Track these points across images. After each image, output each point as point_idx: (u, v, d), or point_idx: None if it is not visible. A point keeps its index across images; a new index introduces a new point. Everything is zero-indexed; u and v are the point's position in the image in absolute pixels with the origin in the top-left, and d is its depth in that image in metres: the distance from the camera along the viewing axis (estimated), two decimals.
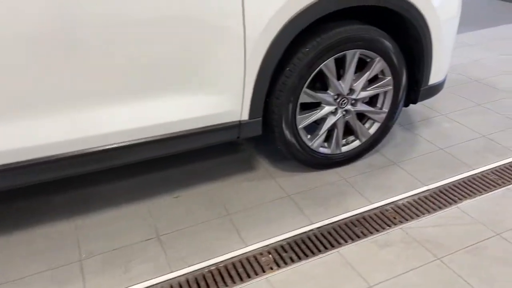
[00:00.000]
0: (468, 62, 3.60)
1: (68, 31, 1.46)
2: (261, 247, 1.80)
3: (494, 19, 4.67)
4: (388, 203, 2.01)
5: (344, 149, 2.24)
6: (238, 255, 1.75)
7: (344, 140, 2.25)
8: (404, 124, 2.67)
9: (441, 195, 2.06)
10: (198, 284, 1.64)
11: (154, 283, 1.64)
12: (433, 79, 2.26)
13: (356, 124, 2.19)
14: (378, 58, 2.05)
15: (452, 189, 2.09)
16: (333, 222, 1.92)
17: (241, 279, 1.65)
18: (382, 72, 2.12)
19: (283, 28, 1.76)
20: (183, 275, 1.67)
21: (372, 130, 2.26)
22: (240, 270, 1.69)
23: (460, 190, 2.09)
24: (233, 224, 1.92)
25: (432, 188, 2.10)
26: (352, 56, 1.99)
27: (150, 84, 1.68)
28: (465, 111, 2.80)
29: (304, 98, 1.99)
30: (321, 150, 2.18)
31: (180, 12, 1.59)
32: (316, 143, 2.14)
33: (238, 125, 1.92)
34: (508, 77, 3.28)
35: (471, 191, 2.08)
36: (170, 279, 1.66)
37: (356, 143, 2.26)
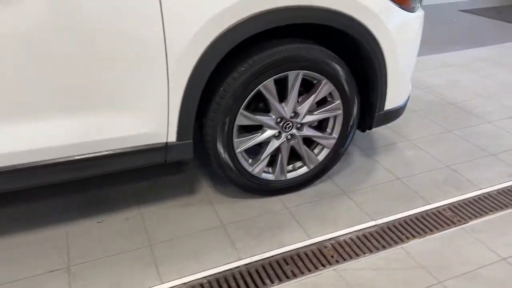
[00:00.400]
0: (446, 83, 3.43)
1: None
2: (178, 285, 1.62)
3: (481, 39, 4.51)
4: (328, 239, 1.84)
5: (290, 175, 2.07)
6: None
7: (291, 166, 2.08)
8: (365, 149, 2.50)
9: (388, 232, 1.88)
10: None
11: None
12: (390, 104, 2.09)
13: (302, 149, 2.02)
14: (324, 81, 1.88)
15: (402, 226, 1.92)
16: (263, 259, 1.74)
17: None
18: (330, 95, 1.96)
19: (209, 47, 1.60)
20: None
21: (321, 157, 2.09)
22: None
23: (410, 227, 1.91)
24: (153, 256, 1.74)
25: (380, 224, 1.93)
26: (295, 78, 1.83)
27: (67, 102, 1.53)
28: (433, 137, 2.63)
29: (241, 120, 1.82)
30: (264, 176, 2.01)
31: (96, 26, 1.44)
32: (258, 168, 1.97)
33: (164, 148, 1.75)
34: (485, 101, 3.11)
35: (422, 229, 1.90)
36: None
37: (304, 169, 2.09)
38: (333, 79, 1.89)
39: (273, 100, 1.84)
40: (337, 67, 1.87)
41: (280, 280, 1.64)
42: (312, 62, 1.81)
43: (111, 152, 1.67)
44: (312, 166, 2.09)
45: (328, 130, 2.06)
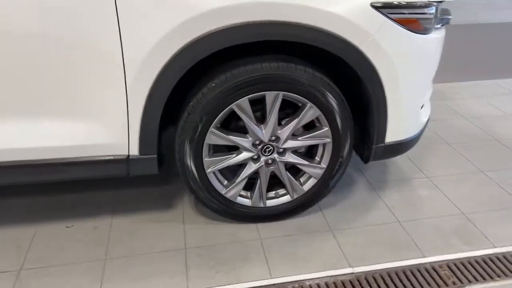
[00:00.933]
0: (499, 115, 3.01)
1: None
2: None
3: None
4: (290, 282, 1.64)
5: (271, 203, 1.90)
6: None
7: (274, 192, 1.91)
8: (373, 181, 2.24)
9: (364, 283, 1.64)
10: None
11: None
12: (392, 136, 1.83)
13: (284, 176, 1.84)
14: (308, 104, 1.69)
15: (382, 278, 1.66)
16: None
17: None
18: (318, 120, 1.76)
19: (169, 62, 1.49)
20: None
21: (307, 187, 1.89)
22: None
23: (392, 282, 1.65)
24: (103, 272, 1.67)
25: (357, 273, 1.69)
26: (274, 99, 1.65)
27: (26, 105, 1.51)
28: (459, 177, 2.29)
29: (212, 139, 1.69)
30: (240, 200, 1.86)
31: (50, 29, 1.40)
32: (232, 191, 1.82)
33: (126, 160, 1.67)
34: None
35: (404, 285, 1.63)
36: None
37: (287, 198, 1.90)
38: (320, 103, 1.68)
39: (248, 121, 1.69)
40: (325, 90, 1.66)
41: None
42: (294, 83, 1.63)
43: (70, 160, 1.63)
44: (296, 196, 1.89)
45: (317, 158, 1.85)
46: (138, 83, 1.52)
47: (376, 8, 1.57)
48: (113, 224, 1.91)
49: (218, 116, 1.64)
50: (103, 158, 1.64)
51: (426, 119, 2.00)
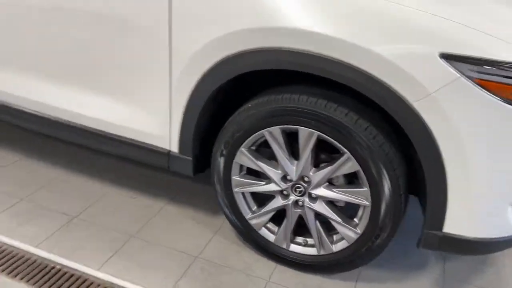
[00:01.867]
0: None
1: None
2: (105, 281, 1.66)
3: None
4: None
5: (295, 248, 1.71)
6: None
7: (303, 238, 1.71)
8: (447, 270, 1.77)
9: None
10: None
11: None
12: (453, 227, 1.40)
13: (312, 226, 1.63)
14: (346, 155, 1.45)
15: None
16: None
17: None
18: (357, 175, 1.49)
19: (210, 70, 1.50)
20: None
21: (337, 247, 1.63)
22: None
23: None
24: (122, 246, 1.81)
25: None
26: (307, 136, 1.48)
27: (88, 81, 1.77)
28: None
29: (241, 159, 1.63)
30: (263, 232, 1.74)
31: (115, 21, 1.60)
32: (256, 220, 1.72)
33: (167, 155, 1.76)
34: None
35: None
36: None
37: (313, 250, 1.68)
38: (359, 156, 1.42)
39: (278, 152, 1.56)
40: (368, 142, 1.40)
41: None
42: (331, 126, 1.42)
43: (117, 136, 1.81)
44: (322, 253, 1.66)
45: (356, 220, 1.57)
46: (182, 82, 1.57)
47: (447, 59, 1.22)
48: (162, 209, 2.05)
49: (249, 138, 1.57)
50: (148, 145, 1.77)
51: None
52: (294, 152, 1.56)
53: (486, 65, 1.22)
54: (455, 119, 1.25)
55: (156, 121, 1.70)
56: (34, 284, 1.61)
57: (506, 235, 1.44)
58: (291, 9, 1.34)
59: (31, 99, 1.93)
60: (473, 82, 1.22)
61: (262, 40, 1.38)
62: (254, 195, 1.73)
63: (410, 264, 1.80)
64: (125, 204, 2.06)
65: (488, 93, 1.23)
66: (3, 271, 1.65)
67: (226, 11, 1.42)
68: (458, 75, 1.22)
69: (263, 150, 1.62)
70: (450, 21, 1.25)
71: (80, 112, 1.83)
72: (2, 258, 1.71)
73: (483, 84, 1.22)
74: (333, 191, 1.55)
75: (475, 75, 1.22)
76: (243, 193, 1.72)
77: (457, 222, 1.39)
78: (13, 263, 1.69)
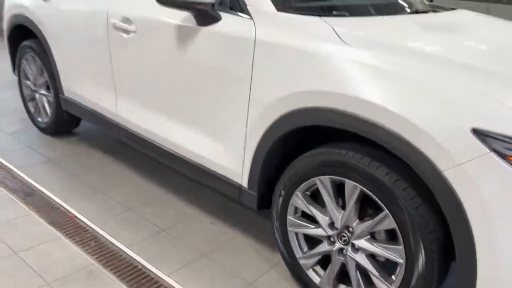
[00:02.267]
0: None
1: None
2: (170, 284, 1.97)
3: None
4: None
5: None
6: None
7: (344, 286, 1.81)
8: None
9: None
10: None
11: None
12: None
13: (352, 275, 1.73)
14: (385, 211, 1.55)
15: None
16: None
17: None
18: (395, 233, 1.57)
19: (277, 120, 1.76)
20: None
21: None
22: None
23: None
24: (185, 264, 2.12)
25: None
26: (352, 188, 1.63)
27: (186, 116, 2.17)
28: None
29: (296, 201, 1.83)
30: (310, 273, 1.88)
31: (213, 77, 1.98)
32: (306, 261, 1.88)
33: (239, 188, 2.04)
34: None
35: None
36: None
37: None
38: (397, 215, 1.52)
39: (327, 199, 1.72)
40: (405, 202, 1.49)
41: None
42: (372, 182, 1.55)
43: (199, 163, 2.16)
44: None
45: (393, 277, 1.64)
46: (255, 127, 1.85)
47: (478, 134, 1.30)
48: (234, 238, 2.31)
49: (304, 183, 1.77)
50: (223, 177, 2.08)
51: None
52: (342, 202, 1.71)
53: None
54: (483, 191, 1.30)
55: (233, 157, 2.01)
56: (119, 276, 1.98)
57: None
58: (352, 79, 1.54)
59: (138, 124, 2.42)
60: (502, 158, 1.27)
61: (323, 101, 1.60)
62: (307, 237, 1.89)
63: None
64: (205, 228, 2.38)
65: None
66: (100, 261, 2.07)
67: (297, 75, 1.68)
68: (488, 150, 1.28)
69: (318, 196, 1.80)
70: (487, 98, 1.32)
71: (177, 143, 2.23)
72: (102, 251, 2.14)
73: None
74: (372, 245, 1.65)
75: (508, 152, 1.27)
76: (296, 233, 1.90)
77: (488, 284, 1.38)
78: (108, 256, 2.11)
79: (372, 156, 1.57)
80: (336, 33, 1.64)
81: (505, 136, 1.27)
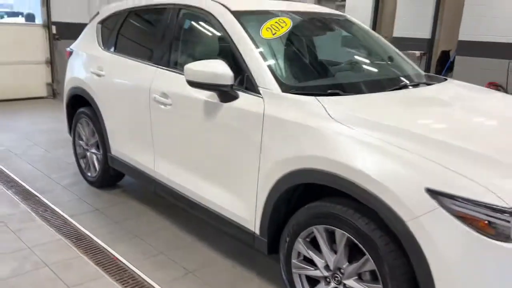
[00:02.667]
0: None
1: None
2: None
3: None
4: None
5: None
6: None
7: None
8: None
9: None
10: None
11: None
12: None
13: None
14: (366, 256, 1.90)
15: None
16: None
17: None
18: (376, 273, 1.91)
19: (281, 177, 2.17)
20: None
21: None
22: None
23: None
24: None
25: None
26: (341, 236, 1.99)
27: (210, 174, 2.62)
28: None
29: (298, 247, 2.20)
30: None
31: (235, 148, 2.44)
32: None
33: (252, 235, 2.43)
34: None
35: None
36: None
37: None
38: (376, 259, 1.86)
39: (322, 245, 2.08)
40: (382, 247, 1.83)
41: None
42: (355, 230, 1.91)
43: (220, 213, 2.57)
44: None
45: None
46: (264, 183, 2.26)
47: (430, 192, 1.66)
48: (251, 280, 2.67)
49: (304, 231, 2.14)
50: (239, 225, 2.48)
51: None
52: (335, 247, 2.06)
53: (463, 202, 1.61)
54: (437, 241, 1.64)
55: (247, 209, 2.41)
56: None
57: None
58: (335, 147, 1.95)
59: (171, 180, 2.89)
60: (448, 212, 1.62)
61: (318, 163, 2.00)
62: (308, 278, 2.23)
63: None
64: (227, 270, 2.75)
65: (464, 223, 1.60)
66: None
67: (294, 143, 2.10)
68: (437, 205, 1.64)
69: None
70: (439, 164, 1.70)
71: (203, 196, 2.67)
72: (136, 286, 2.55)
73: (459, 215, 1.61)
74: (359, 284, 1.98)
75: (454, 207, 1.62)
76: (299, 275, 2.24)
77: None
78: None
79: (355, 208, 1.94)
80: (326, 110, 2.08)
81: (451, 195, 1.63)
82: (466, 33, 8.62)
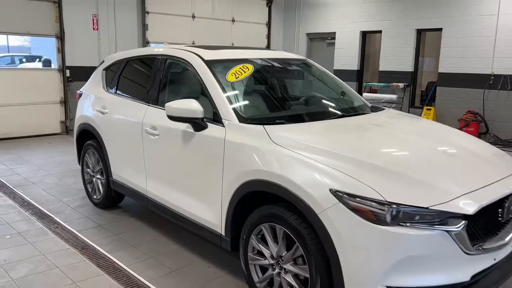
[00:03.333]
0: None
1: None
2: None
3: None
4: None
5: None
6: None
7: None
8: None
9: None
10: None
11: None
12: None
13: None
14: (296, 244, 2.51)
15: None
16: None
17: None
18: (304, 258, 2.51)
19: (236, 190, 2.82)
20: None
21: None
22: None
23: None
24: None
25: None
26: (279, 231, 2.61)
27: (188, 189, 3.27)
28: None
29: (251, 242, 2.81)
30: None
31: (202, 167, 3.10)
32: (260, 284, 2.80)
33: (219, 236, 3.05)
34: None
35: None
36: None
37: None
38: (303, 246, 2.46)
39: (268, 239, 2.69)
40: (307, 237, 2.43)
41: None
42: (289, 225, 2.52)
43: (196, 220, 3.20)
44: None
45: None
46: (226, 194, 2.90)
47: (333, 192, 2.29)
48: (219, 273, 3.25)
49: (255, 229, 2.76)
50: (210, 229, 3.10)
51: None
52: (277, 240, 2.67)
53: (355, 198, 2.23)
54: (338, 226, 2.25)
55: (215, 214, 3.04)
56: None
57: None
58: (275, 162, 2.59)
59: (159, 196, 3.54)
60: (345, 205, 2.24)
61: (262, 175, 2.64)
62: (260, 267, 2.82)
63: None
64: (203, 269, 3.34)
65: (356, 213, 2.22)
66: None
67: (246, 160, 2.75)
68: (338, 201, 2.26)
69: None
70: (342, 172, 2.33)
71: (183, 207, 3.31)
72: (132, 285, 3.15)
73: (356, 210, 2.23)
74: (294, 267, 2.57)
75: (350, 202, 2.24)
76: (254, 265, 2.84)
77: None
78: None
79: (288, 209, 2.56)
80: (268, 135, 2.74)
81: (347, 193, 2.25)
82: (444, 65, 9.33)
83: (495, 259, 2.42)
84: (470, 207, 2.21)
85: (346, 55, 11.09)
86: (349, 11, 10.88)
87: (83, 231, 4.03)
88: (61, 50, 8.44)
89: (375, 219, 2.19)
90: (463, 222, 2.19)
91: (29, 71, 9.44)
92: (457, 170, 2.57)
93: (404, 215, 2.17)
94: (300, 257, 2.56)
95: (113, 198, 4.46)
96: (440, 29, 9.31)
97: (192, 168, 3.21)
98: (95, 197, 4.62)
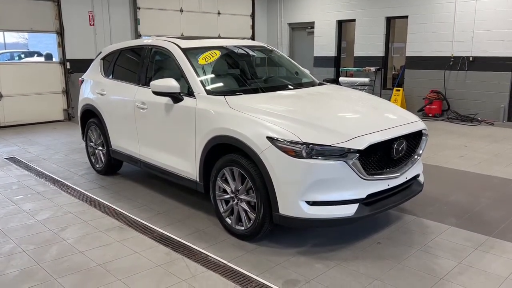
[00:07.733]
0: None
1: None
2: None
3: None
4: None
5: (237, 227, 3.65)
6: None
7: (241, 223, 3.66)
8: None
9: None
10: None
11: None
12: (282, 209, 3.24)
13: (242, 216, 3.59)
14: (247, 179, 3.47)
15: None
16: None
17: None
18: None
19: (208, 141, 3.76)
20: None
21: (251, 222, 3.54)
22: None
23: None
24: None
25: None
26: (236, 171, 3.55)
27: (170, 149, 4.22)
28: None
29: (218, 183, 3.76)
30: (227, 219, 3.75)
31: (180, 128, 4.04)
32: (225, 214, 3.76)
33: (195, 182, 4.00)
34: None
35: None
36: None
37: (242, 228, 3.61)
38: (252, 181, 3.41)
39: (229, 179, 3.65)
40: (255, 174, 3.36)
41: None
42: (243, 167, 3.46)
43: (177, 172, 4.15)
44: (246, 228, 3.57)
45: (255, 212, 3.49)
46: (199, 147, 3.83)
47: (268, 138, 3.24)
48: (196, 212, 4.21)
49: (220, 173, 3.70)
50: (189, 178, 4.05)
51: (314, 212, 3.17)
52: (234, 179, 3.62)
53: (282, 141, 3.18)
54: (272, 162, 3.20)
55: (191, 165, 3.98)
56: (138, 231, 3.93)
57: (301, 216, 3.18)
58: (229, 121, 3.53)
59: (149, 157, 4.49)
60: (275, 146, 3.19)
61: (222, 131, 3.59)
62: (225, 201, 3.77)
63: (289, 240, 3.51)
64: (185, 211, 4.30)
65: (283, 152, 3.17)
66: (126, 224, 4.03)
67: (211, 121, 3.69)
68: (271, 144, 3.21)
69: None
70: (271, 125, 3.27)
71: (167, 163, 4.26)
72: (130, 222, 4.11)
73: (279, 148, 3.18)
74: (246, 197, 3.53)
75: (279, 144, 3.19)
76: (220, 200, 3.80)
77: (282, 207, 3.22)
78: (132, 223, 4.07)
79: (242, 155, 3.51)
80: (228, 103, 3.67)
81: (276, 138, 3.20)
82: (411, 50, 10.26)
83: (388, 185, 3.39)
84: (361, 145, 3.16)
85: (324, 42, 12.00)
86: (326, 2, 11.77)
87: (89, 190, 4.99)
88: (62, 45, 9.34)
89: (295, 155, 3.14)
90: (357, 155, 3.15)
91: (34, 64, 10.35)
92: (357, 121, 3.56)
93: (315, 151, 3.12)
94: (250, 189, 3.51)
95: (113, 165, 5.41)
96: (407, 17, 10.22)
97: (173, 132, 4.15)
98: (97, 165, 5.57)
